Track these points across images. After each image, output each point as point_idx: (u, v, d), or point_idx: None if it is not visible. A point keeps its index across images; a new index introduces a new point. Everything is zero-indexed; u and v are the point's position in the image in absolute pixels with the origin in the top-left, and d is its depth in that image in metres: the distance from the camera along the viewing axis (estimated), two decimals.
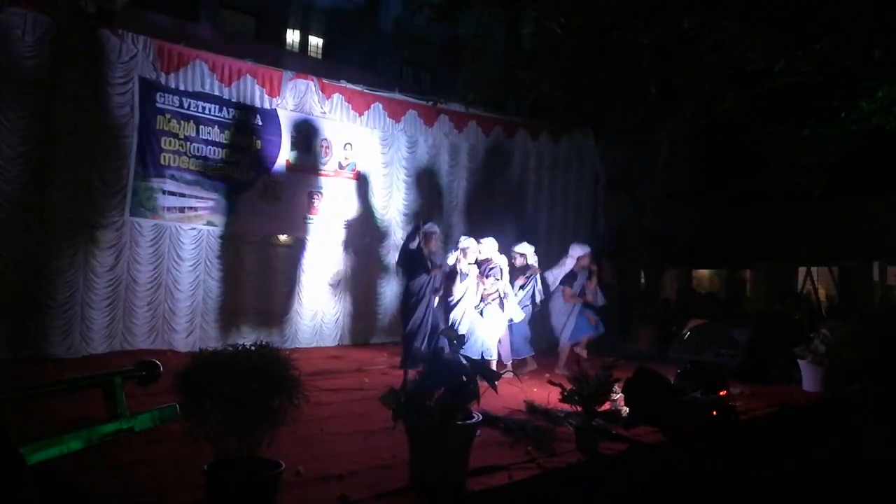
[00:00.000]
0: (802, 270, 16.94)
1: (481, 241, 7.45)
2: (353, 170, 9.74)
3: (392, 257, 9.83)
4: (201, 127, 8.28)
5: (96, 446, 3.30)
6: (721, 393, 5.42)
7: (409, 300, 7.21)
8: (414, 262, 7.13)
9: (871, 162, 13.18)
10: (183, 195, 8.15)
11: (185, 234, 8.19)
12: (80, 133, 7.35)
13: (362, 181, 9.83)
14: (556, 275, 8.33)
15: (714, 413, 5.10)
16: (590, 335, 8.27)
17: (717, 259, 17.58)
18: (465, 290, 7.16)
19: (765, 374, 7.55)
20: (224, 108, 8.46)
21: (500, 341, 7.51)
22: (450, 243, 8.75)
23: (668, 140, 11.48)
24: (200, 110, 8.27)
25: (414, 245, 7.18)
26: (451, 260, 7.34)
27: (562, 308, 8.23)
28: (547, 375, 6.83)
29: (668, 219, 12.56)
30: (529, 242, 8.52)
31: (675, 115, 11.47)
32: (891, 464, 5.70)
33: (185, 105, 8.15)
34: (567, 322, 8.15)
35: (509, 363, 7.60)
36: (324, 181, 9.41)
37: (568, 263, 8.31)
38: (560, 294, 8.24)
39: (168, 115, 8.02)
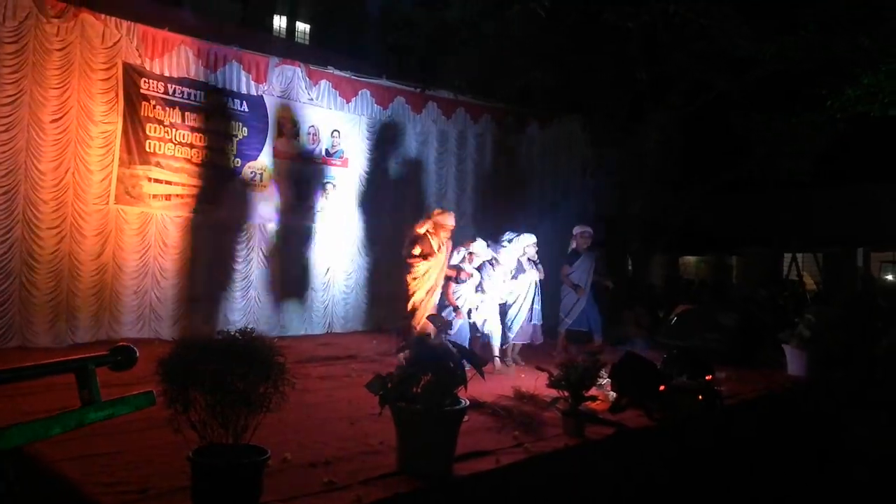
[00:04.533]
0: (788, 257, 17.10)
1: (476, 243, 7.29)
2: (341, 157, 9.70)
3: (380, 244, 9.83)
4: (187, 113, 8.20)
5: (79, 436, 3.28)
6: (707, 377, 5.47)
7: None
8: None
9: (856, 150, 13.27)
10: (169, 182, 8.08)
11: (172, 221, 8.13)
12: (65, 119, 7.28)
13: (350, 168, 9.79)
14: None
15: (700, 397, 5.15)
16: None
17: (704, 246, 17.70)
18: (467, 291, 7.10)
19: (750, 358, 7.62)
20: (210, 95, 8.38)
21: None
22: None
23: (656, 127, 11.49)
24: (186, 97, 8.19)
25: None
26: (455, 259, 7.20)
27: (565, 290, 8.13)
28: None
29: (656, 206, 12.59)
30: (516, 229, 8.49)
31: (664, 101, 11.48)
32: (869, 446, 5.78)
33: (171, 91, 8.07)
34: (573, 309, 8.05)
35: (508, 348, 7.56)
36: (311, 168, 9.37)
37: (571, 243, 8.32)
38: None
39: (153, 102, 7.93)
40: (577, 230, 8.32)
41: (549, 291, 8.15)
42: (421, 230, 6.85)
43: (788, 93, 11.21)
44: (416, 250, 6.79)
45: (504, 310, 7.48)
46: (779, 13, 9.37)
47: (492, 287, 7.16)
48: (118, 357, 2.08)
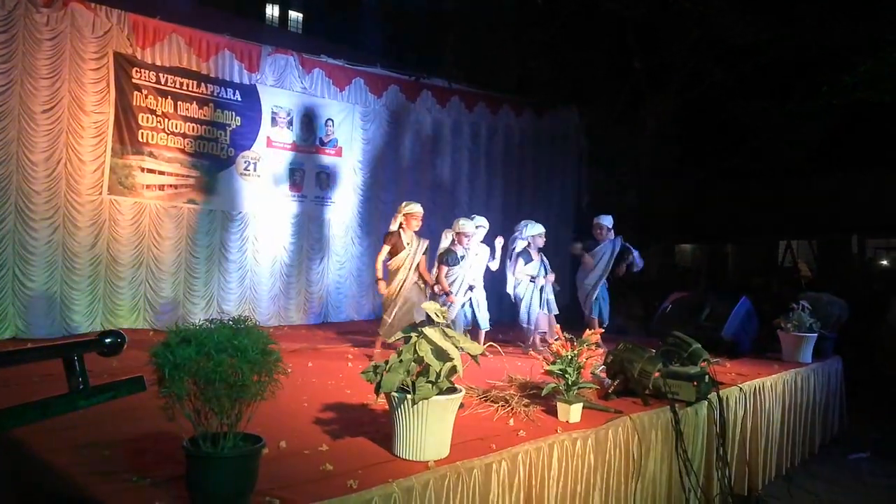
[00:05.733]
0: (783, 244, 17.13)
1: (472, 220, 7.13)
2: (335, 146, 9.67)
3: (373, 233, 9.80)
4: (179, 103, 8.15)
5: (71, 425, 3.27)
6: (701, 364, 5.46)
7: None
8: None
9: (851, 138, 13.27)
10: (162, 173, 8.06)
11: (166, 212, 8.10)
12: (56, 109, 7.23)
13: (344, 157, 9.76)
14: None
15: (694, 383, 5.14)
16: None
17: (699, 234, 17.70)
18: (463, 274, 6.98)
19: (745, 345, 7.63)
20: (202, 84, 8.34)
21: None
22: (428, 219, 8.62)
23: (653, 116, 11.48)
24: (178, 86, 8.14)
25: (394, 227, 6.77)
26: (444, 242, 7.01)
27: (582, 277, 7.98)
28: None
29: (652, 194, 12.59)
30: (513, 219, 8.48)
31: (660, 91, 11.46)
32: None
33: (163, 80, 8.02)
34: (589, 294, 7.87)
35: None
36: (305, 158, 9.34)
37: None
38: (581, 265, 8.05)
39: (145, 91, 7.88)
40: (603, 221, 7.97)
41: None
42: (393, 226, 6.59)
43: (783, 82, 11.21)
44: (385, 250, 6.58)
45: (517, 300, 7.47)
46: (777, 6, 9.36)
47: (472, 267, 7.10)
48: (106, 341, 2.05)
